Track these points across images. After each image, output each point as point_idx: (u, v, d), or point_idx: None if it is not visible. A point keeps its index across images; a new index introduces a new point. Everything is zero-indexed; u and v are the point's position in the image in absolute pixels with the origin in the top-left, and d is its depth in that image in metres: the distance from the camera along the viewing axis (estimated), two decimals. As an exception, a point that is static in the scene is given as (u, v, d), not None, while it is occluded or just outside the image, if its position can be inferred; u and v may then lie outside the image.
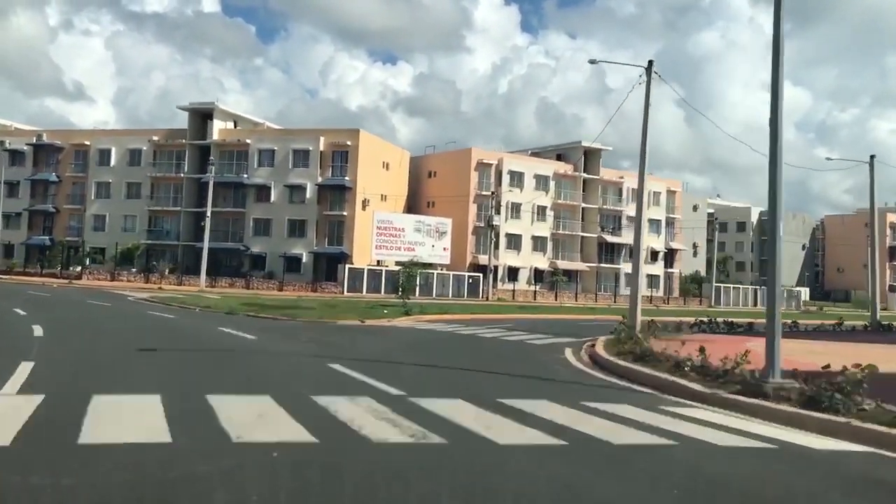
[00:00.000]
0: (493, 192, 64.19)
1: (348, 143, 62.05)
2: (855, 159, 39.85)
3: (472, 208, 69.07)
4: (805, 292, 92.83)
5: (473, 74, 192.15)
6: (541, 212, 72.97)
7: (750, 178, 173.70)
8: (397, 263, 51.79)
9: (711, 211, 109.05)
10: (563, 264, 73.16)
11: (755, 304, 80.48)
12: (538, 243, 72.85)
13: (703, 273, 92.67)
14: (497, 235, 69.39)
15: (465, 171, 69.14)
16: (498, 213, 64.12)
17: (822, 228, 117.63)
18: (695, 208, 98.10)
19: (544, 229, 73.13)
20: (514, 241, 71.30)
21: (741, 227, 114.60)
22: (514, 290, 66.13)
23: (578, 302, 68.79)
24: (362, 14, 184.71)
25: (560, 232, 74.20)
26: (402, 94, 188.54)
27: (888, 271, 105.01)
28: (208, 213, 51.74)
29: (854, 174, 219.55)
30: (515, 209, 71.10)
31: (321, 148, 62.20)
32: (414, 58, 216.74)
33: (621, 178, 78.81)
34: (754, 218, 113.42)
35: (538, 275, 72.30)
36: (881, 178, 40.76)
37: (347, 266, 55.84)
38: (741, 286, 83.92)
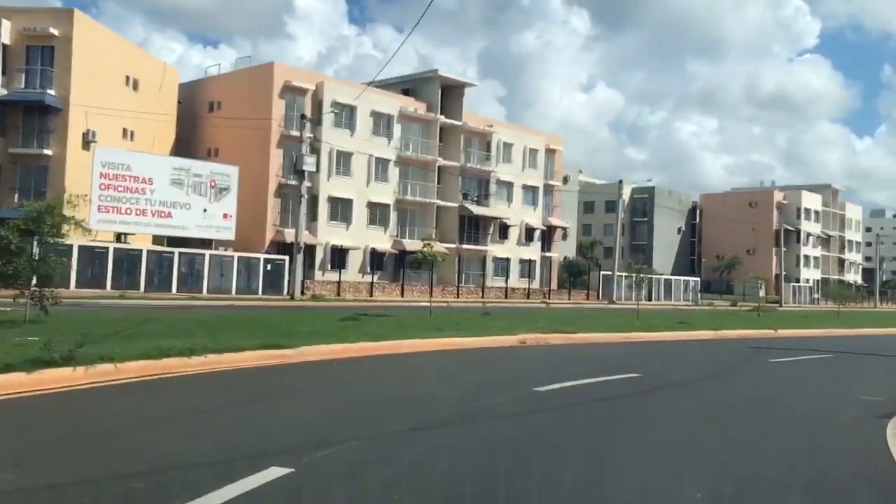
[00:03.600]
0: (303, 121, 40.44)
1: (54, 31, 36.60)
2: None
3: (276, 156, 45.46)
4: (697, 283, 76.25)
5: (299, 62, 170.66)
6: (381, 168, 50.47)
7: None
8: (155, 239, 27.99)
9: (578, 189, 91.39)
10: (412, 244, 51.16)
11: (653, 298, 62.31)
12: (377, 213, 50.35)
13: (572, 259, 74.08)
14: (314, 199, 46.15)
15: (265, 99, 45.33)
16: (312, 154, 40.70)
17: (699, 210, 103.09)
18: (565, 180, 78.74)
19: (386, 194, 50.69)
20: (343, 210, 48.43)
21: (610, 206, 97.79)
22: (339, 282, 43.44)
23: (439, 296, 47.33)
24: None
25: (408, 198, 52.09)
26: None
27: (774, 258, 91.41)
28: None
29: (730, 148, 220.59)
30: (343, 161, 48.18)
31: (4, 39, 36.35)
32: (236, 42, 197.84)
33: (490, 126, 57.70)
34: (626, 195, 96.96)
35: (378, 258, 49.86)
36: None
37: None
38: (633, 275, 65.33)
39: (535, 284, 58.55)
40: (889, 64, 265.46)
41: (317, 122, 45.21)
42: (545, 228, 62.37)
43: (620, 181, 60.75)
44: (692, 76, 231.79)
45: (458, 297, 48.52)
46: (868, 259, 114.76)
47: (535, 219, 60.82)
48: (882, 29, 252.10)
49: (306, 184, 38.67)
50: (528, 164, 60.31)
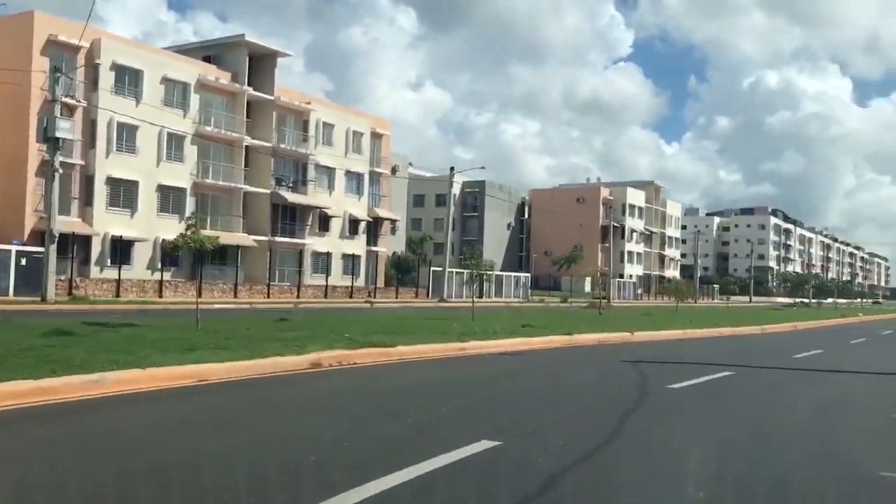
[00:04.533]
0: (57, 75, 32.25)
1: None
2: None
3: (37, 126, 36.98)
4: (528, 279, 73.59)
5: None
6: (175, 144, 42.92)
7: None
8: None
9: (408, 181, 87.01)
10: (214, 235, 44.03)
11: (484, 295, 58.59)
12: (170, 199, 42.77)
13: (401, 255, 69.19)
14: (89, 179, 38.16)
15: (23, 55, 36.72)
16: (68, 118, 32.79)
17: (528, 206, 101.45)
18: (394, 170, 73.62)
19: (181, 176, 43.20)
20: (126, 194, 40.57)
21: (441, 200, 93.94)
22: (119, 280, 35.94)
23: (245, 296, 41.04)
24: None
25: (209, 182, 44.84)
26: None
27: (601, 254, 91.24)
28: None
29: (551, 150, 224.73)
30: (127, 136, 40.30)
31: None
32: None
33: (308, 104, 51.43)
34: (456, 190, 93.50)
35: (172, 253, 42.23)
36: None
37: None
38: (470, 271, 61.23)
39: (361, 282, 53.05)
40: (694, 75, 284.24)
41: (92, 87, 37.25)
42: (371, 220, 56.93)
43: (452, 168, 56.49)
44: (515, 79, 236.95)
45: (268, 296, 42.12)
46: (684, 256, 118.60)
47: (360, 209, 55.21)
48: (686, 41, 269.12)
49: (60, 157, 30.76)
50: (353, 148, 54.60)
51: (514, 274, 70.07)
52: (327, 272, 48.04)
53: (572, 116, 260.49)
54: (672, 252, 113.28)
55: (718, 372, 12.13)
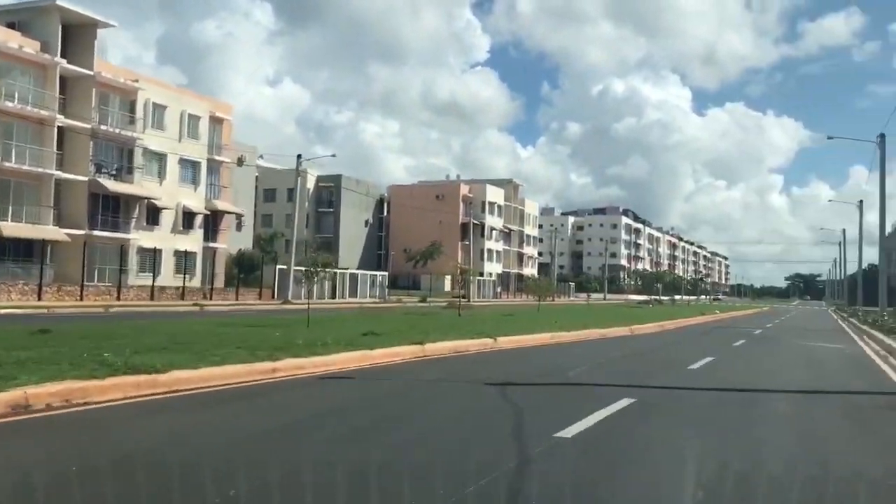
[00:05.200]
0: None
1: None
2: None
3: None
4: (385, 278, 70.03)
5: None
6: (-36, 121, 36.32)
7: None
8: None
9: (257, 174, 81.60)
10: (13, 228, 37.72)
11: (338, 296, 54.78)
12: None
13: (246, 252, 63.97)
14: None
15: None
16: None
17: (387, 202, 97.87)
18: (240, 161, 67.71)
19: (-27, 158, 36.61)
20: None
21: (293, 195, 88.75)
22: None
23: (52, 298, 35.25)
24: None
25: (11, 166, 38.36)
26: None
27: (461, 252, 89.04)
28: None
29: (411, 151, 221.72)
30: None
31: None
32: None
33: (135, 81, 45.54)
34: (311, 184, 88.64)
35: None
36: None
37: None
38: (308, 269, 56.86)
39: (197, 282, 47.65)
40: (547, 81, 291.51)
41: None
42: (210, 213, 51.55)
43: (300, 155, 51.77)
44: (374, 79, 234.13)
45: (81, 299, 36.32)
46: (541, 254, 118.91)
47: (195, 201, 49.76)
48: (539, 48, 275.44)
49: None
50: (188, 133, 49.11)
51: (369, 272, 66.38)
52: (153, 271, 42.43)
53: (431, 117, 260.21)
54: (530, 250, 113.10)
55: (615, 400, 8.91)
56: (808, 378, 13.27)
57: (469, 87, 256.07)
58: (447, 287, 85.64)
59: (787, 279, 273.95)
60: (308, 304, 21.12)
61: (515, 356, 15.53)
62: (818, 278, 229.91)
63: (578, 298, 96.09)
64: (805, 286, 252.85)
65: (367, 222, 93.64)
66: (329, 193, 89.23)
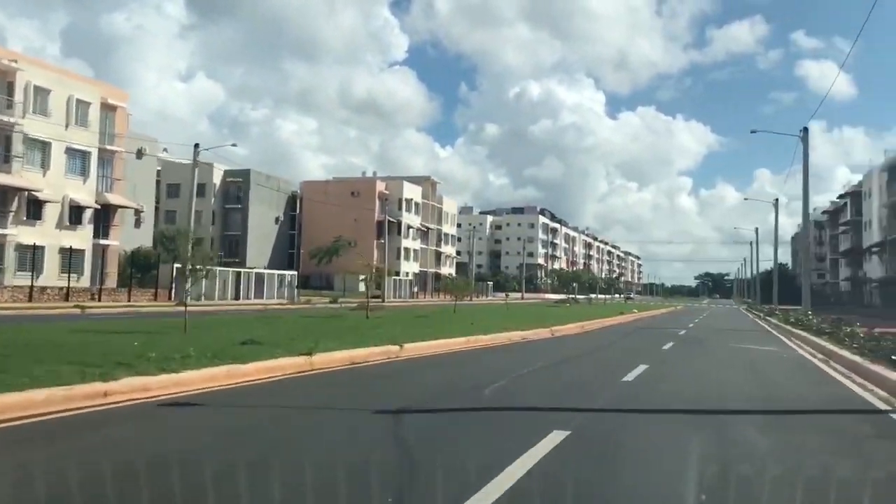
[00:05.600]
0: None
1: None
2: None
3: None
4: (294, 277, 66.75)
5: None
6: None
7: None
8: None
9: (159, 168, 77.23)
10: None
11: (241, 297, 51.53)
12: None
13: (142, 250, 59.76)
14: None
15: None
16: None
17: (300, 200, 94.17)
18: (140, 153, 63.19)
19: None
20: None
21: (200, 190, 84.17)
22: None
23: None
24: None
25: None
26: None
27: (377, 251, 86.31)
28: None
29: (329, 149, 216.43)
30: None
31: None
32: None
33: (13, 62, 41.30)
34: (217, 179, 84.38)
35: None
36: None
37: None
38: (220, 269, 53.17)
39: (87, 281, 43.69)
40: (465, 82, 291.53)
41: None
42: (100, 207, 47.46)
43: (197, 144, 48.01)
44: (291, 76, 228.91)
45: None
46: (459, 254, 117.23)
47: (84, 194, 45.68)
48: (457, 49, 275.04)
49: None
50: (77, 120, 44.99)
51: (277, 272, 62.95)
52: (33, 269, 38.39)
53: (349, 116, 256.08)
54: (449, 249, 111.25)
55: (543, 433, 6.68)
56: (760, 391, 11.41)
57: (387, 86, 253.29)
58: (362, 287, 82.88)
59: (696, 278, 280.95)
60: (185, 308, 18.23)
61: (423, 367, 13.22)
62: (726, 277, 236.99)
63: (497, 298, 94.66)
64: (714, 285, 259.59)
65: (277, 220, 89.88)
66: (237, 189, 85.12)
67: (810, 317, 28.19)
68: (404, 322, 24.72)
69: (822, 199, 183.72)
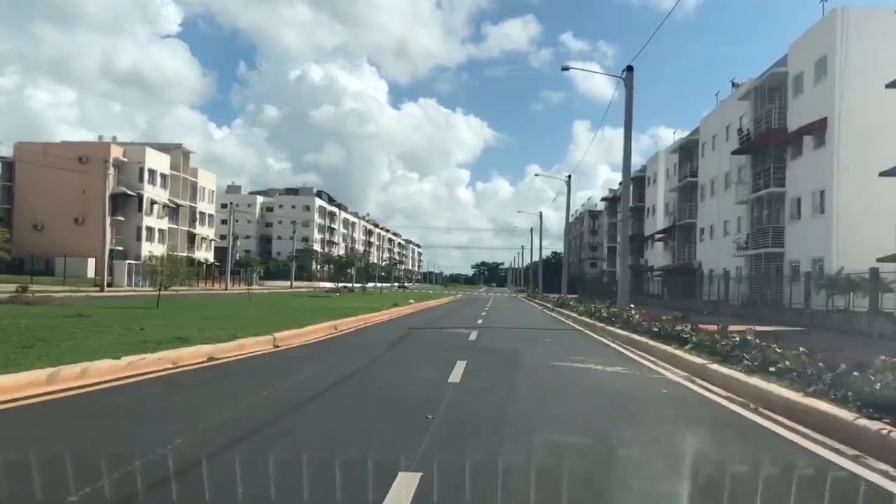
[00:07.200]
0: None
1: None
2: None
3: None
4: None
5: None
6: None
7: None
8: None
9: None
10: None
11: None
12: None
13: None
14: None
15: None
16: None
17: (13, 165, 77.04)
18: None
19: None
20: None
21: None
22: None
23: None
24: None
25: None
26: None
27: (111, 230, 72.09)
28: None
29: (90, 124, 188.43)
30: None
31: None
32: None
33: None
34: None
35: None
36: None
37: None
38: None
39: None
40: (244, 61, 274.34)
41: None
42: None
43: None
44: (43, 41, 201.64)
45: None
46: (223, 237, 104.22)
47: None
48: (232, 25, 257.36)
49: None
50: None
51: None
52: None
53: (113, 89, 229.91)
54: (206, 231, 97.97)
55: None
56: None
57: (157, 59, 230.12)
58: (90, 272, 68.70)
59: (473, 267, 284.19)
60: None
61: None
62: (501, 266, 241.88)
63: (263, 286, 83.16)
64: (489, 274, 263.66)
65: (-19, 189, 72.67)
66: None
67: (635, 314, 21.08)
68: (62, 327, 14.26)
69: (585, 196, 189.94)
